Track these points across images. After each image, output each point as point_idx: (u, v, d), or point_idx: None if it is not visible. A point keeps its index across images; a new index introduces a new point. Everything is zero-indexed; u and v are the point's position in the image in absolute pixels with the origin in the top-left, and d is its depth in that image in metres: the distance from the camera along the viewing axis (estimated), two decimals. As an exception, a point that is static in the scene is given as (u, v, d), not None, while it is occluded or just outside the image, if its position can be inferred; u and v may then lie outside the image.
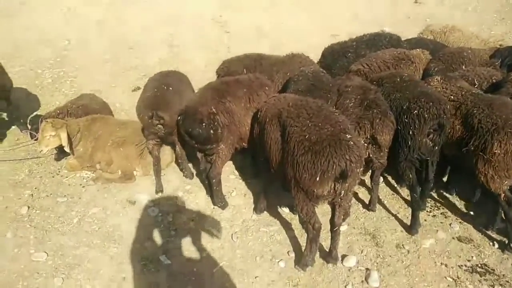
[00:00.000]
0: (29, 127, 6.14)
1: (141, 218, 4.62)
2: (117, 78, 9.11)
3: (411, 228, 4.33)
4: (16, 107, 7.26)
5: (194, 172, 5.39)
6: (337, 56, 6.13)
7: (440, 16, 14.37)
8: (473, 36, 6.60)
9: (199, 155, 4.64)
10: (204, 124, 4.11)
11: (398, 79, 4.52)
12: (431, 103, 4.06)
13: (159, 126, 4.64)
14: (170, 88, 4.88)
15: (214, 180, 4.55)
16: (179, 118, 4.26)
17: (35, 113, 7.06)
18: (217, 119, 4.18)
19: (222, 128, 4.24)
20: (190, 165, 5.42)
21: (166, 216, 4.64)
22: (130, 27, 13.44)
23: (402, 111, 4.21)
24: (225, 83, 4.63)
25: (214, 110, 4.17)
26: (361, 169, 3.43)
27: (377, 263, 3.99)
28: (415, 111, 4.10)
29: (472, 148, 4.00)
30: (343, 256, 4.02)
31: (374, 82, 4.71)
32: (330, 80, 4.73)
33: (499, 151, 3.79)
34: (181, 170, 5.41)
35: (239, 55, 5.81)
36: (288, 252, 4.13)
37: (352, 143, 3.25)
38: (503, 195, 3.99)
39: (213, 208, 4.76)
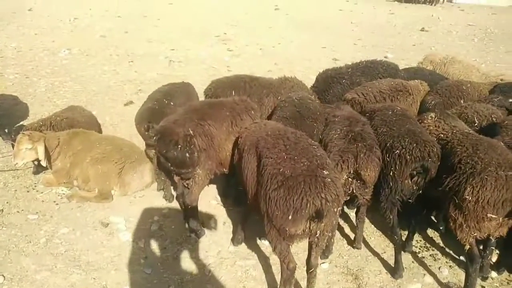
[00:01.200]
0: (12, 137, 5.95)
1: (112, 242, 4.36)
2: (112, 91, 8.99)
3: (395, 272, 4.02)
4: (4, 116, 7.12)
5: (175, 194, 5.15)
6: (331, 82, 5.94)
7: (446, 46, 14.32)
8: (474, 68, 6.40)
9: (176, 178, 4.40)
10: (179, 146, 3.88)
11: (390, 113, 4.28)
12: (415, 144, 3.75)
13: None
14: (172, 103, 4.82)
15: (189, 206, 4.30)
16: (154, 138, 4.03)
17: (21, 123, 6.90)
18: (194, 142, 3.94)
19: (199, 152, 4.00)
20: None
21: (138, 242, 4.37)
22: (134, 41, 13.47)
23: (385, 148, 3.94)
24: (207, 104, 4.42)
25: (191, 132, 3.94)
26: (340, 208, 3.17)
27: (356, 308, 3.69)
28: (397, 151, 3.82)
29: (447, 189, 3.59)
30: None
31: (367, 114, 4.49)
32: (318, 108, 4.52)
33: (470, 198, 3.35)
34: (162, 190, 5.19)
35: (229, 76, 5.64)
36: (261, 290, 3.85)
37: (329, 180, 3.00)
38: (468, 247, 3.57)
39: (189, 235, 4.49)
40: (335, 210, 3.06)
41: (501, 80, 5.86)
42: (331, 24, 17.80)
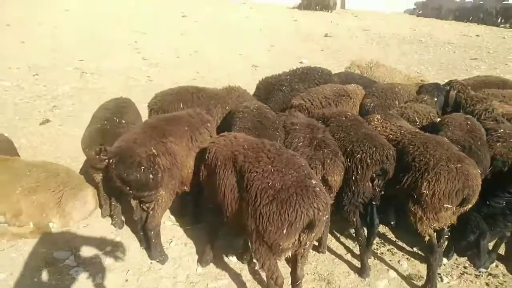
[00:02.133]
0: None
1: (63, 282, 3.83)
2: (20, 109, 8.00)
3: (362, 272, 4.16)
4: None
5: (124, 219, 4.74)
6: (272, 90, 6.00)
7: (350, 49, 15.42)
8: (397, 71, 6.97)
9: (133, 202, 4.04)
10: (143, 167, 3.56)
11: (344, 118, 4.42)
12: (374, 148, 3.91)
13: (106, 162, 4.02)
14: (123, 121, 4.45)
15: (152, 232, 3.98)
16: (111, 161, 3.63)
17: None
18: (158, 161, 3.66)
19: (163, 171, 3.72)
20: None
21: (95, 278, 3.91)
22: (34, 52, 12.20)
23: (346, 153, 4.04)
24: (163, 120, 4.12)
25: (154, 151, 3.65)
26: (328, 216, 3.17)
27: (337, 312, 3.74)
28: (358, 156, 3.95)
29: (405, 186, 3.84)
30: (301, 309, 3.69)
31: (320, 121, 4.57)
32: (275, 117, 4.50)
33: (427, 192, 3.64)
34: (110, 216, 4.72)
35: (173, 88, 5.36)
36: (242, 309, 3.70)
37: (318, 189, 2.99)
38: (427, 238, 3.87)
39: (151, 263, 4.15)
40: (325, 218, 3.06)
41: (422, 81, 6.47)
42: (241, 31, 18.07)
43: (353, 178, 3.98)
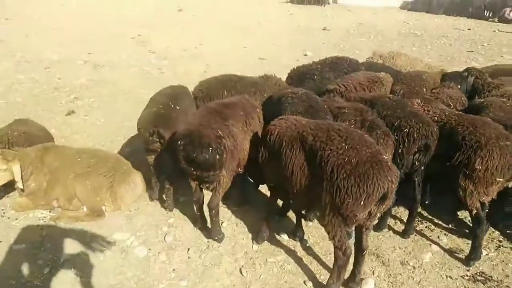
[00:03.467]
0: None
1: (130, 261, 3.99)
2: (41, 101, 8.02)
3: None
4: None
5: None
6: (304, 78, 6.19)
7: (350, 43, 15.70)
8: (418, 60, 7.24)
9: (193, 184, 4.21)
10: (211, 148, 3.73)
11: (388, 99, 4.67)
12: (421, 124, 4.21)
13: (158, 144, 4.40)
14: (177, 107, 4.65)
15: (213, 211, 4.16)
16: (179, 142, 3.80)
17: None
18: (224, 143, 3.84)
19: (227, 153, 3.90)
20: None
21: (158, 255, 4.08)
22: (40, 45, 12.16)
23: (393, 128, 4.32)
24: (222, 105, 4.29)
25: (220, 133, 3.83)
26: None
27: (391, 283, 3.98)
28: (405, 130, 4.24)
29: (456, 163, 4.13)
30: (360, 280, 3.93)
31: (363, 103, 4.79)
32: (322, 102, 4.70)
33: (480, 167, 3.94)
34: (158, 200, 4.91)
35: (215, 76, 5.53)
36: (304, 282, 3.89)
37: (390, 164, 3.23)
38: (475, 211, 4.14)
39: (208, 241, 4.33)
40: (394, 191, 3.29)
41: (442, 70, 6.75)
42: (240, 25, 18.15)
43: (400, 151, 4.26)
